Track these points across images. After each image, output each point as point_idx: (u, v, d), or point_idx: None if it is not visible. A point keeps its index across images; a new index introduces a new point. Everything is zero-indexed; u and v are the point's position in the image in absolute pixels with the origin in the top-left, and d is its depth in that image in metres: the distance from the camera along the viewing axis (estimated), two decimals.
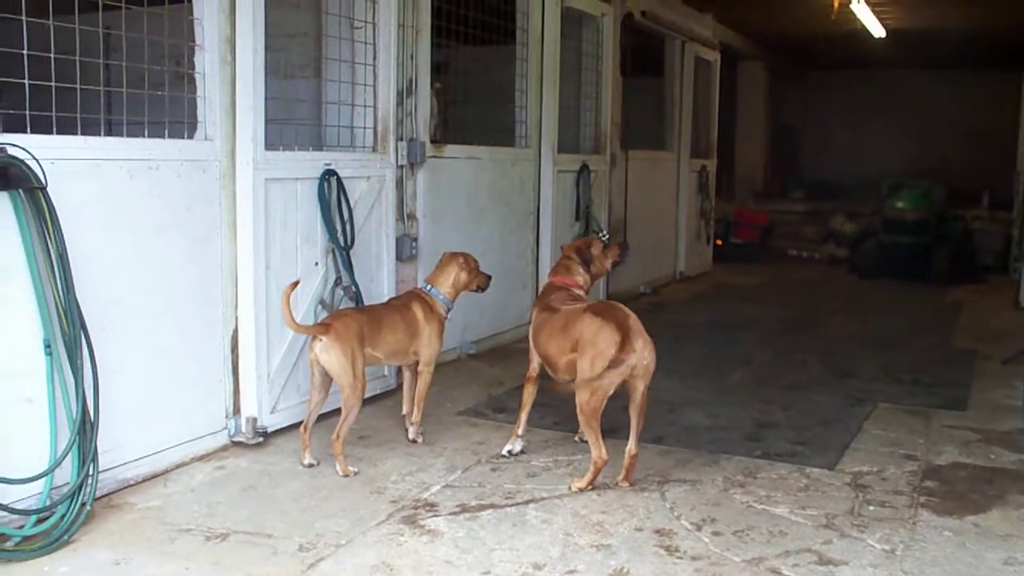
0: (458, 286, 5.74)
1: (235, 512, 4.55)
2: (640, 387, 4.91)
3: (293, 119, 6.45)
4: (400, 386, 6.53)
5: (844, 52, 18.33)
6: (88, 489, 4.35)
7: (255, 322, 5.47)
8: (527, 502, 4.73)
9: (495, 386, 7.03)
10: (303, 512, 4.57)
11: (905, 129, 21.16)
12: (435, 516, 4.53)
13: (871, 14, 14.19)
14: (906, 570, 4.05)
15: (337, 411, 5.23)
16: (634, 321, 4.94)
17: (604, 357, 4.80)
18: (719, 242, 15.14)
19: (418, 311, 5.56)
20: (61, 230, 4.23)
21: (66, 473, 4.32)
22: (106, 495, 4.63)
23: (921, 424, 6.21)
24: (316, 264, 5.95)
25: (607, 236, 10.11)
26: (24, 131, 4.21)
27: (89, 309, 4.39)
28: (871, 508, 4.73)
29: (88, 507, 4.32)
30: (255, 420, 5.51)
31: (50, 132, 4.38)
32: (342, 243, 6.05)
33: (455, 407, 6.32)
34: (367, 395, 6.32)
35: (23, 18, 4.24)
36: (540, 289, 8.61)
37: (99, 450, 4.43)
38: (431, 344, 5.60)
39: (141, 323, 4.88)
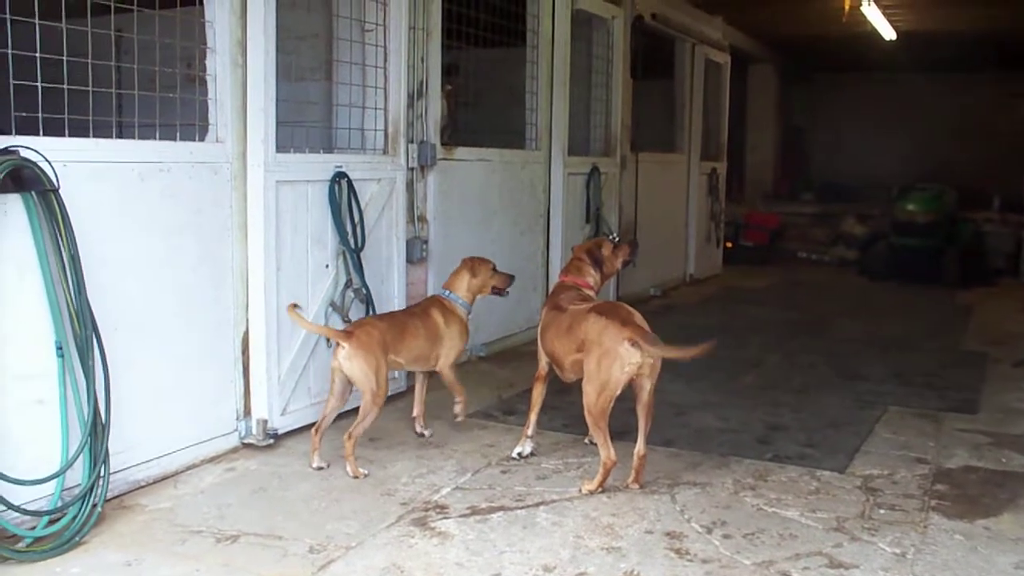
0: (472, 289, 5.78)
1: (245, 514, 4.56)
2: (647, 386, 4.90)
3: (304, 121, 6.47)
4: (411, 388, 6.54)
5: (854, 54, 18.27)
6: (99, 490, 4.36)
7: (266, 324, 5.48)
8: (537, 504, 4.73)
9: (505, 388, 7.03)
10: (313, 514, 4.57)
11: (915, 131, 21.08)
12: (445, 518, 4.54)
13: (882, 16, 14.15)
14: (917, 574, 4.04)
15: (349, 414, 5.25)
16: (639, 319, 4.95)
17: (610, 355, 4.79)
18: (729, 244, 15.12)
19: (438, 316, 5.62)
20: (73, 232, 4.24)
21: (77, 474, 4.33)
22: (117, 496, 4.64)
23: (932, 427, 6.19)
24: (327, 266, 5.96)
25: (617, 238, 10.11)
26: (36, 133, 4.23)
27: (100, 311, 4.40)
28: (882, 511, 4.72)
29: (99, 508, 4.34)
30: (265, 422, 5.52)
31: (62, 134, 4.40)
32: (352, 245, 6.06)
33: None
34: None
35: (36, 21, 4.25)
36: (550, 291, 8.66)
37: (110, 452, 4.44)
38: (454, 347, 5.66)
39: (152, 325, 4.90)
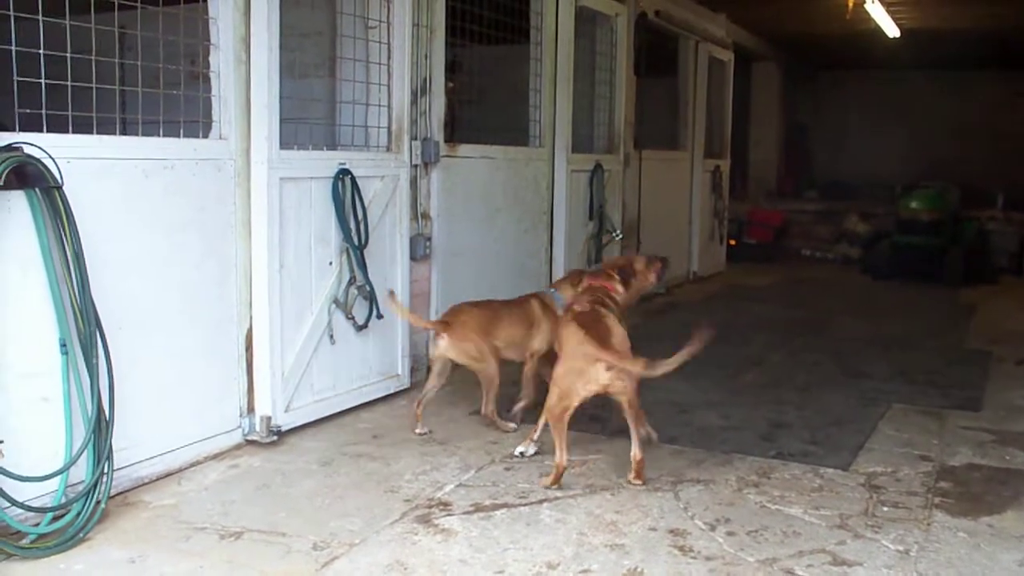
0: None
1: (249, 510, 4.56)
2: (623, 400, 4.91)
3: (307, 118, 6.46)
4: (413, 386, 6.56)
5: (858, 52, 18.24)
6: (103, 487, 4.36)
7: (269, 321, 5.48)
8: (541, 501, 4.73)
9: (508, 385, 7.01)
10: (317, 511, 4.58)
11: (919, 129, 21.04)
12: (449, 515, 4.54)
13: (886, 14, 14.13)
14: (920, 571, 4.03)
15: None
16: (618, 341, 4.93)
17: (575, 371, 4.85)
18: (732, 242, 15.09)
19: (536, 307, 6.01)
20: (77, 229, 4.25)
21: (81, 471, 4.34)
22: (121, 493, 4.64)
23: (935, 425, 6.18)
24: (330, 263, 5.96)
25: (620, 235, 10.12)
26: (40, 130, 4.23)
27: (104, 308, 4.40)
28: (885, 509, 4.71)
29: (103, 505, 4.34)
30: (269, 419, 5.52)
31: (66, 131, 4.40)
32: (356, 242, 6.06)
33: (469, 407, 6.31)
34: (381, 394, 6.37)
35: (39, 17, 4.26)
36: None
37: (114, 448, 4.45)
38: (545, 338, 5.94)
39: (156, 322, 4.90)
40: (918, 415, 6.40)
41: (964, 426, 6.16)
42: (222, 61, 5.21)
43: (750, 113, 20.13)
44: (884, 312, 11.02)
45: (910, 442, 5.80)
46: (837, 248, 16.44)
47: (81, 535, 4.18)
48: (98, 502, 4.32)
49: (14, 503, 4.01)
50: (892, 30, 15.42)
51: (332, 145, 6.56)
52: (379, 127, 6.55)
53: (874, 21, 14.52)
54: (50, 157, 4.13)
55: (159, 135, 5.00)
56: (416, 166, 6.91)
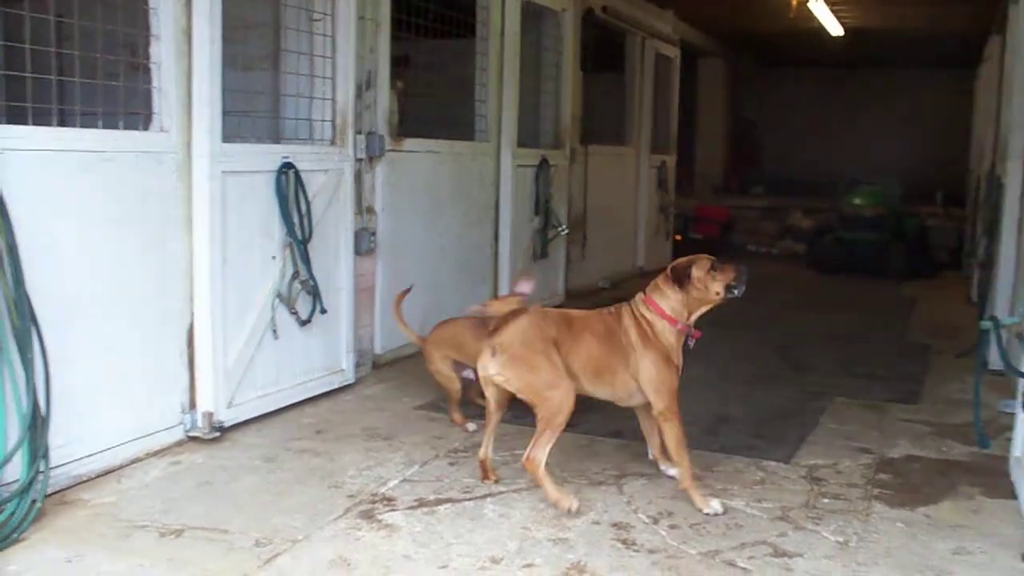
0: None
1: (191, 507, 4.50)
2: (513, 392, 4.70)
3: (251, 111, 6.39)
4: (358, 381, 6.52)
5: (804, 50, 18.49)
6: (39, 485, 4.28)
7: (211, 316, 5.41)
8: (485, 496, 4.73)
9: None
10: (260, 507, 4.53)
11: (864, 127, 21.39)
12: (393, 511, 4.51)
13: (829, 13, 14.31)
14: (859, 561, 4.09)
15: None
16: (511, 334, 4.61)
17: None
18: (678, 237, 15.19)
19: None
20: (11, 222, 4.15)
21: (16, 469, 4.24)
22: (58, 491, 4.55)
23: (876, 417, 6.28)
24: (273, 258, 5.90)
25: (567, 230, 10.14)
26: None
27: (40, 302, 4.32)
28: (826, 500, 4.77)
29: (39, 504, 4.25)
30: (211, 415, 5.45)
31: (0, 122, 4.31)
32: (300, 237, 6.00)
33: (413, 401, 6.30)
34: (324, 389, 6.32)
35: None
36: (505, 284, 8.64)
37: (51, 446, 4.37)
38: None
39: (95, 317, 4.81)
40: (859, 408, 6.49)
41: (904, 419, 6.26)
42: (163, 52, 5.12)
43: (697, 109, 20.29)
44: (828, 306, 11.17)
45: (851, 435, 5.88)
46: (782, 243, 16.65)
47: (16, 535, 4.09)
48: (34, 501, 4.23)
49: None
50: (836, 29, 15.63)
51: (276, 139, 6.49)
52: (323, 121, 6.49)
53: (818, 20, 14.71)
54: None
55: (98, 127, 4.92)
56: (361, 160, 6.87)
